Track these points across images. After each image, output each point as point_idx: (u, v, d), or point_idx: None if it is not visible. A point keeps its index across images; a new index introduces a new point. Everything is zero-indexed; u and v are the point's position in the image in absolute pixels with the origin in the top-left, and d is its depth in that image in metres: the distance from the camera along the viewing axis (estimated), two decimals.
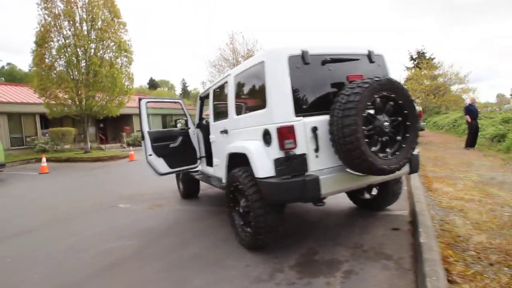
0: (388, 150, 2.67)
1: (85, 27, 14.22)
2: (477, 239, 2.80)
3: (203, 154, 5.11)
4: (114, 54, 14.87)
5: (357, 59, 3.06)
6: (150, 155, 4.56)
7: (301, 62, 2.77)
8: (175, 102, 5.49)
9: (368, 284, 2.35)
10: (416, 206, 3.55)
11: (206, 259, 3.08)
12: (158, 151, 4.61)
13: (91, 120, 16.41)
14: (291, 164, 2.61)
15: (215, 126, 4.07)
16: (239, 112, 3.39)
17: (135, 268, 3.02)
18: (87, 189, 7.77)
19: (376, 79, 2.55)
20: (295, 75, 2.73)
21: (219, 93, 4.04)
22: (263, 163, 2.76)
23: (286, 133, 2.60)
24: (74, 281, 2.85)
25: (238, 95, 3.41)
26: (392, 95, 2.63)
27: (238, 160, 3.32)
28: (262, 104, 2.88)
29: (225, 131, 3.65)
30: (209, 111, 4.26)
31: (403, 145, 2.71)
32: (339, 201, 4.27)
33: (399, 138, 2.72)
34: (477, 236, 2.85)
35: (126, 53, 15.40)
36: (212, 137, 4.17)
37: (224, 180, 3.70)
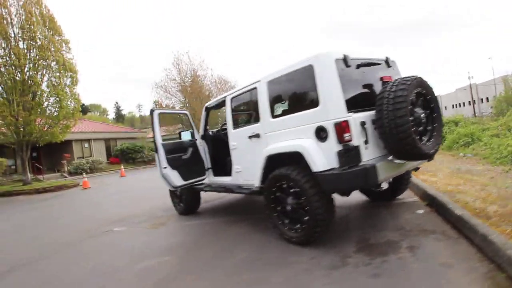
0: (423, 138, 3.10)
1: (23, 45, 12.85)
2: (492, 209, 3.34)
3: (209, 165, 5.07)
4: (58, 73, 13.62)
5: (380, 64, 3.53)
6: (165, 167, 4.38)
7: (343, 65, 3.10)
8: (183, 113, 5.37)
9: (436, 253, 2.66)
10: (428, 190, 4.07)
11: (263, 260, 3.08)
12: (172, 163, 4.45)
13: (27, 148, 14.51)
14: (350, 155, 2.86)
15: (236, 133, 4.13)
16: (276, 115, 3.54)
17: (194, 279, 2.88)
18: (56, 220, 6.89)
19: (414, 77, 2.98)
20: (341, 76, 3.03)
21: (242, 100, 4.15)
22: (321, 157, 2.96)
23: (344, 128, 2.85)
24: None
25: (274, 99, 3.58)
26: (423, 91, 3.09)
27: (276, 162, 3.47)
28: (310, 104, 3.11)
29: (256, 135, 3.75)
30: (226, 119, 4.30)
31: (433, 133, 3.17)
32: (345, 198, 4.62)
33: (429, 127, 3.18)
34: (490, 207, 3.40)
35: (70, 73, 14.24)
36: (233, 144, 4.20)
37: (257, 184, 3.76)
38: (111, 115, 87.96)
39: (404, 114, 2.79)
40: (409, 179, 4.17)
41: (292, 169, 3.19)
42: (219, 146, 5.07)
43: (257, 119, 3.77)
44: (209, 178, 5.04)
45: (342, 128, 2.85)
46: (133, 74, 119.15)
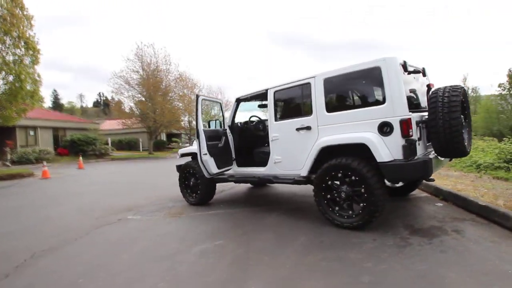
0: None
1: None
2: (500, 203, 4.00)
3: (234, 155, 5.12)
4: (19, 50, 12.18)
5: (420, 72, 4.03)
6: (205, 154, 4.35)
7: (403, 70, 3.50)
8: (217, 102, 5.33)
9: (480, 234, 3.15)
10: (441, 187, 4.68)
11: (327, 242, 3.26)
12: (210, 151, 4.44)
13: None
14: (411, 149, 3.25)
15: (279, 125, 4.30)
16: (332, 109, 3.81)
17: (271, 258, 2.96)
18: (44, 208, 6.10)
19: (461, 86, 3.50)
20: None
21: (288, 94, 4.33)
22: (385, 149, 3.31)
23: (409, 124, 3.25)
24: (224, 279, 2.64)
25: (330, 94, 3.84)
26: (463, 99, 3.63)
27: (325, 153, 3.75)
28: (374, 101, 3.46)
29: (306, 128, 3.97)
30: (268, 111, 4.44)
31: (467, 136, 3.73)
32: None
33: (464, 130, 3.72)
34: (498, 201, 4.07)
35: (32, 52, 12.83)
36: (274, 135, 4.35)
37: (304, 174, 3.98)
38: (48, 103, 79.51)
39: (458, 117, 3.28)
40: None
41: (352, 159, 3.48)
42: (246, 137, 5.18)
43: (308, 113, 4.00)
44: (233, 168, 5.09)
45: (407, 124, 3.24)
46: (71, 61, 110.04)
